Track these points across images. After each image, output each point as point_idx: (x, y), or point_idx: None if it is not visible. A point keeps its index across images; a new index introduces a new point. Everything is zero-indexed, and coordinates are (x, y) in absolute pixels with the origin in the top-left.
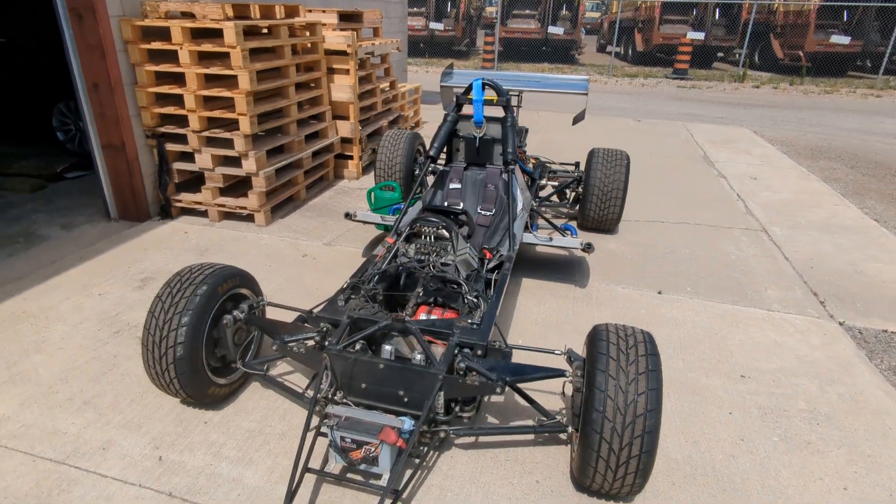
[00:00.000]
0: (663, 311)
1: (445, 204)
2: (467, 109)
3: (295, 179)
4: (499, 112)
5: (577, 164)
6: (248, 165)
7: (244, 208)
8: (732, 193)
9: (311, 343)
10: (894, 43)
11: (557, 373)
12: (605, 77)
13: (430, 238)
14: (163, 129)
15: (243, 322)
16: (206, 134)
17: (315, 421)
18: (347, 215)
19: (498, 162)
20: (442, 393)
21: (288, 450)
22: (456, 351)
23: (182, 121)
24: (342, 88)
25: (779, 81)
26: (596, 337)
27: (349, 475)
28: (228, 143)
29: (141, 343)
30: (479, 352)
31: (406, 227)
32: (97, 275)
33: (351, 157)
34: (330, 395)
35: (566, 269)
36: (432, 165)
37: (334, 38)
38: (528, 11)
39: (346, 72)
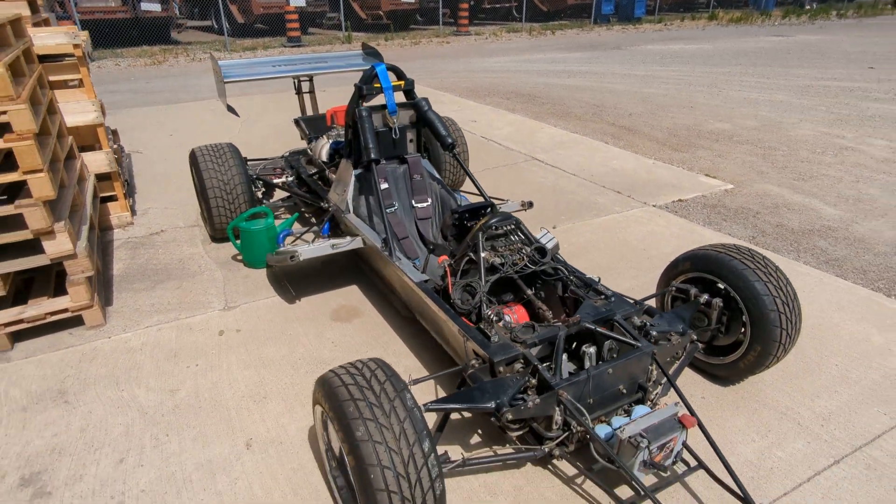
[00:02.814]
0: (574, 238)
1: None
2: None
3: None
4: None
5: None
6: (58, 245)
7: (64, 311)
8: (477, 136)
9: (529, 390)
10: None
11: (697, 304)
12: (223, 53)
13: (514, 237)
14: None
15: None
16: None
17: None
18: (292, 258)
19: (412, 150)
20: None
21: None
22: (640, 322)
23: None
24: (80, 107)
25: (376, 39)
26: (720, 262)
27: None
28: (4, 220)
29: None
30: (636, 316)
31: (479, 231)
32: None
33: (114, 198)
34: (576, 428)
35: None
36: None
37: (52, 38)
38: None
39: (79, 83)
